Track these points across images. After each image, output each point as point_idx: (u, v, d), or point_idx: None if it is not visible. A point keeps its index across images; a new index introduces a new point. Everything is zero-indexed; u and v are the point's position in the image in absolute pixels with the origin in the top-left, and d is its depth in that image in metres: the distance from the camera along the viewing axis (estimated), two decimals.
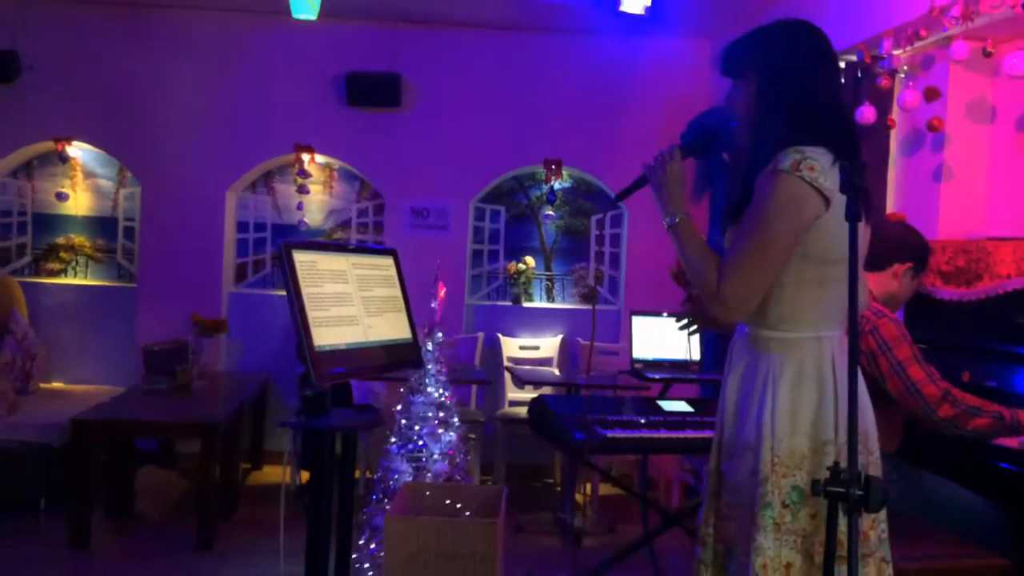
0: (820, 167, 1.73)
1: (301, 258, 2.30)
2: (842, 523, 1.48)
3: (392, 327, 2.62)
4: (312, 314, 2.27)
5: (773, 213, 1.74)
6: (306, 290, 2.28)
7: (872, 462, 1.81)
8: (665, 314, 4.40)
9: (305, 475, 5.18)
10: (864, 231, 1.87)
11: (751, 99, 1.89)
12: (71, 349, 5.81)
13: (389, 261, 2.73)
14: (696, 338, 4.44)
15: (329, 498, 2.49)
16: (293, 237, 5.94)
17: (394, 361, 2.63)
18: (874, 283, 3.06)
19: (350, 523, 2.67)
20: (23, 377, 5.21)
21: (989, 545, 2.68)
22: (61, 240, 5.89)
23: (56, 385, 5.68)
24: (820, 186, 1.72)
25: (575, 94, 5.82)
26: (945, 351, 3.51)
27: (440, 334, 3.31)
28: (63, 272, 5.91)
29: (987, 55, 3.28)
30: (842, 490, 1.37)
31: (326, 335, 2.30)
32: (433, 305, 3.29)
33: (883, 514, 1.84)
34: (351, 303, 2.45)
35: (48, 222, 5.89)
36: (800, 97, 1.83)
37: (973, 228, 3.85)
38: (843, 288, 1.56)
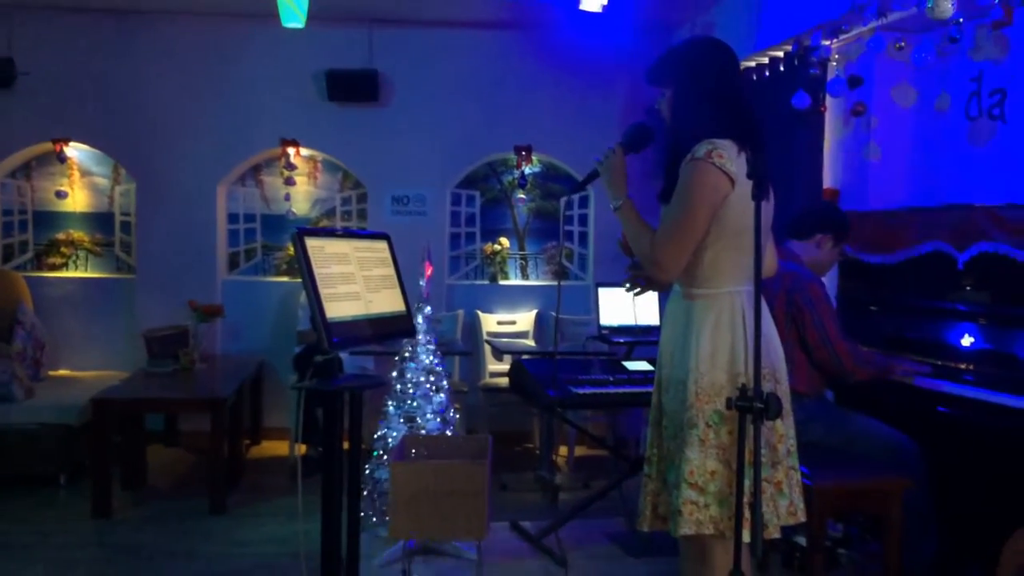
0: (728, 155, 2.18)
1: (312, 243, 2.70)
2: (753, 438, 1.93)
3: (389, 301, 3.02)
4: (323, 291, 2.67)
5: (692, 193, 2.19)
6: (317, 270, 2.68)
7: (781, 391, 2.27)
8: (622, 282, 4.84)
9: (302, 448, 5.55)
10: (767, 207, 2.32)
11: (671, 104, 2.34)
12: (75, 338, 6.10)
13: (384, 245, 3.13)
14: (655, 303, 4.88)
15: (340, 452, 2.88)
16: (281, 226, 6.30)
17: (391, 331, 3.03)
18: (802, 251, 3.55)
19: (359, 473, 3.07)
20: (34, 365, 5.54)
21: (903, 472, 3.15)
22: (61, 236, 6.19)
23: (63, 372, 5.98)
24: (727, 170, 2.17)
25: (542, 85, 6.13)
26: (873, 307, 4.00)
27: (429, 308, 3.72)
28: (64, 266, 6.22)
29: (899, 48, 3.72)
30: (748, 404, 1.82)
31: (335, 308, 2.70)
32: (421, 283, 3.69)
33: (791, 431, 2.31)
34: (354, 281, 2.85)
35: (48, 219, 6.19)
36: (709, 100, 2.27)
37: (898, 199, 4.31)
38: (750, 253, 2.01)
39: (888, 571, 3.02)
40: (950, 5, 3.14)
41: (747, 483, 1.92)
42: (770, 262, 2.52)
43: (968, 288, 3.52)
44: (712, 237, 2.22)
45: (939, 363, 3.48)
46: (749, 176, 2.00)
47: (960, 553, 3.37)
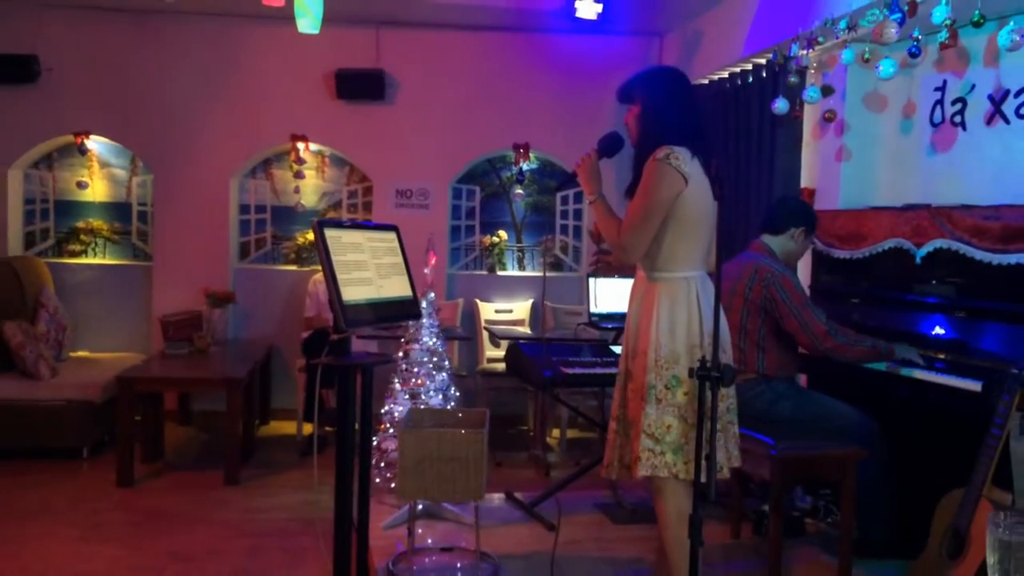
0: (683, 158, 2.63)
1: (330, 234, 3.01)
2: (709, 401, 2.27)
3: (398, 287, 3.34)
4: (340, 276, 2.99)
5: (652, 187, 2.64)
6: (335, 258, 3.00)
7: (725, 358, 2.68)
8: (615, 275, 5.17)
9: (308, 428, 5.87)
10: (714, 205, 2.71)
11: (639, 117, 2.81)
12: (94, 321, 6.42)
13: (392, 235, 3.44)
14: None
15: (353, 424, 3.18)
16: (290, 217, 6.62)
17: (400, 313, 3.36)
18: (775, 244, 3.87)
19: (370, 442, 3.39)
20: (56, 346, 5.86)
21: (860, 445, 3.48)
22: (81, 224, 6.51)
23: (83, 353, 6.30)
24: (682, 170, 2.62)
25: (540, 85, 6.45)
26: (842, 298, 4.32)
27: (432, 294, 4.05)
28: (83, 253, 6.53)
29: (865, 60, 4.03)
30: (706, 373, 2.15)
31: (351, 292, 3.02)
32: (426, 271, 4.01)
33: (732, 392, 2.78)
34: (367, 268, 3.17)
35: (69, 208, 6.50)
36: (668, 115, 2.74)
37: (869, 199, 4.62)
38: (700, 242, 2.55)
39: (844, 533, 3.36)
40: (893, 32, 3.47)
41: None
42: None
43: (926, 281, 3.85)
44: (669, 228, 2.67)
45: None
46: (712, 180, 2.36)
47: (915, 526, 3.69)
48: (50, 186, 6.48)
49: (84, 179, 6.46)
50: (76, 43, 6.19)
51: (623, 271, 2.95)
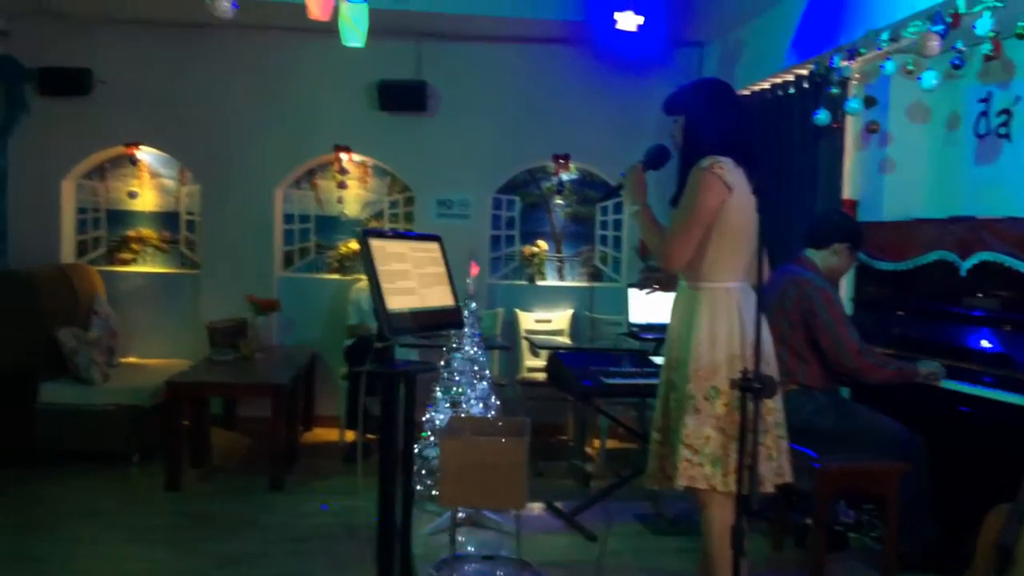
0: (726, 167, 2.64)
1: (375, 244, 3.06)
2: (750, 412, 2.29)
3: (440, 296, 3.38)
4: (385, 285, 3.05)
5: (696, 196, 2.66)
6: (380, 268, 3.05)
7: (770, 370, 2.68)
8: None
9: (350, 435, 5.95)
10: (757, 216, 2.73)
11: (685, 128, 2.83)
12: (143, 328, 6.55)
13: (436, 245, 3.49)
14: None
15: (397, 429, 3.23)
16: (333, 227, 6.72)
17: (442, 322, 3.40)
18: (819, 259, 3.87)
19: (412, 449, 3.43)
20: (108, 352, 6.00)
21: (904, 459, 3.46)
22: (131, 233, 6.65)
23: (132, 359, 6.43)
24: (726, 180, 2.63)
25: (580, 97, 6.46)
26: (885, 310, 4.30)
27: (474, 304, 4.10)
28: (133, 261, 6.67)
29: (908, 72, 4.02)
30: (748, 384, 2.17)
31: (395, 301, 3.06)
32: (468, 281, 4.07)
33: (779, 405, 2.75)
34: (411, 278, 3.22)
35: (120, 217, 6.65)
36: (713, 126, 2.75)
37: (912, 211, 4.59)
38: (744, 253, 2.52)
39: (887, 547, 3.34)
40: (936, 45, 3.45)
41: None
42: (764, 271, 2.91)
43: (970, 293, 3.81)
44: (713, 238, 2.67)
45: (946, 363, 3.76)
46: (755, 191, 2.38)
47: (961, 541, 3.66)
48: (102, 196, 6.65)
49: (135, 189, 6.62)
50: (128, 57, 6.35)
51: (671, 287, 2.94)
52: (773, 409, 2.72)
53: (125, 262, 6.68)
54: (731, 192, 2.64)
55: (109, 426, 5.34)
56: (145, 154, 6.58)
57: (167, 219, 6.71)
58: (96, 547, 4.06)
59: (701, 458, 2.64)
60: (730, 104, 2.86)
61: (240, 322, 6.13)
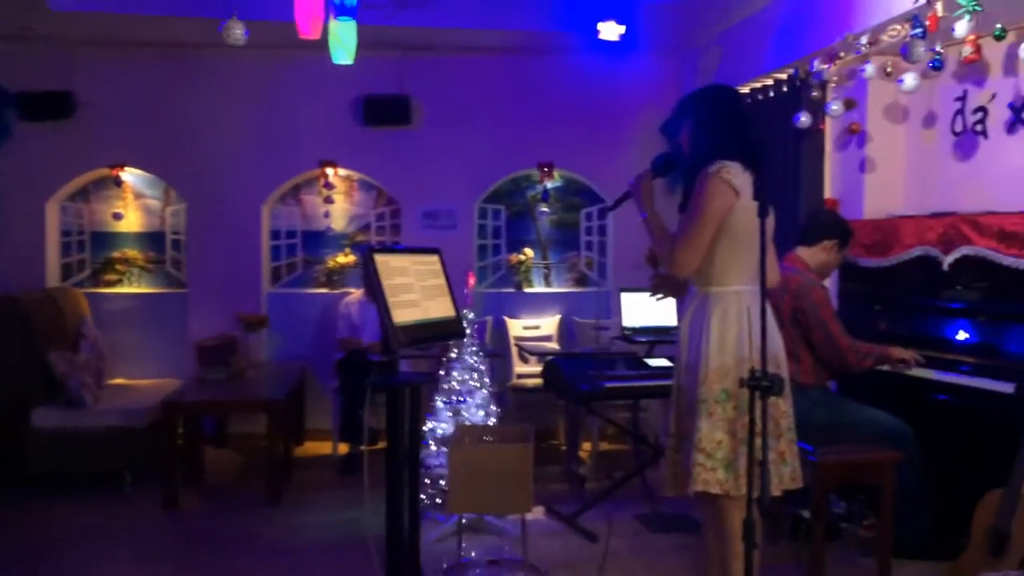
0: (734, 172, 2.67)
1: (379, 259, 3.12)
2: (759, 410, 2.35)
3: (442, 308, 3.44)
4: (390, 299, 3.09)
5: (704, 200, 2.68)
6: (385, 282, 3.11)
7: (782, 374, 2.71)
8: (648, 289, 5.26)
9: (343, 447, 5.97)
10: (769, 222, 2.77)
11: (690, 135, 2.86)
12: (130, 349, 6.50)
13: (436, 258, 3.55)
14: (673, 306, 5.30)
15: (403, 440, 3.26)
16: (320, 241, 6.75)
17: (444, 332, 3.46)
18: (808, 255, 3.97)
19: (418, 458, 3.46)
20: (97, 374, 5.97)
21: (896, 450, 3.56)
22: (116, 254, 6.63)
23: (119, 381, 6.40)
24: (733, 184, 2.66)
25: (563, 106, 6.54)
26: (868, 305, 4.41)
27: (472, 314, 4.15)
28: (119, 282, 6.65)
29: (887, 74, 4.13)
30: (756, 383, 2.24)
31: (400, 314, 3.11)
32: (465, 292, 4.12)
33: (791, 410, 2.77)
34: (414, 291, 3.27)
35: (104, 239, 6.62)
36: (719, 131, 2.78)
37: (892, 208, 4.72)
38: (752, 256, 2.48)
39: (883, 536, 3.43)
40: (923, 51, 3.56)
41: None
42: (772, 272, 2.96)
43: (952, 287, 3.93)
44: (721, 242, 2.70)
45: (929, 354, 3.89)
46: (755, 196, 2.44)
47: (949, 528, 3.76)
48: (86, 218, 6.62)
49: (119, 210, 6.59)
50: (109, 78, 6.34)
51: (684, 291, 2.95)
52: (785, 413, 2.75)
53: (110, 283, 6.65)
54: (739, 196, 2.66)
55: (102, 448, 5.30)
56: (129, 175, 6.57)
57: (152, 239, 6.69)
58: (100, 569, 4.05)
59: (714, 462, 2.65)
60: (736, 109, 2.88)
61: (230, 339, 6.14)
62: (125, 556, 4.21)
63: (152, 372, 6.52)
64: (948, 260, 3.84)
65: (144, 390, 5.98)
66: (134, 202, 6.65)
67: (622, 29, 5.24)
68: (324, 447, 6.29)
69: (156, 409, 5.21)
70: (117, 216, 6.60)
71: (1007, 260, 3.53)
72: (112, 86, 6.34)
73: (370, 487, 3.39)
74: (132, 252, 6.67)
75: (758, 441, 2.29)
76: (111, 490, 5.27)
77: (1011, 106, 4.02)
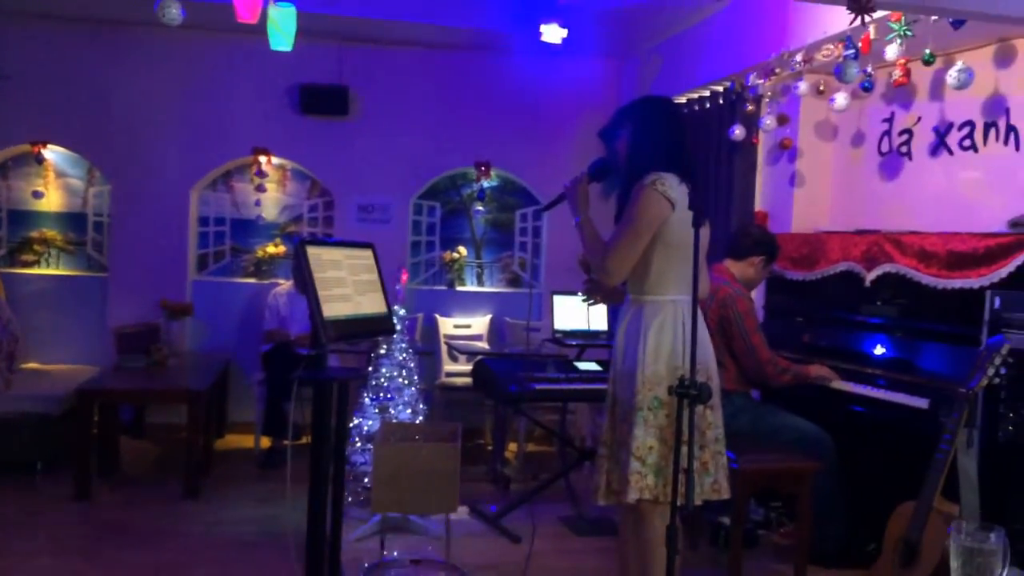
0: (669, 184, 2.69)
1: (312, 251, 3.06)
2: (687, 418, 2.38)
3: (373, 303, 3.40)
4: (321, 293, 3.05)
5: (638, 212, 2.69)
6: (316, 275, 3.05)
7: (712, 385, 2.75)
8: (578, 293, 5.30)
9: (265, 441, 5.86)
10: (704, 233, 2.81)
11: (628, 144, 2.87)
12: (45, 333, 6.28)
13: (369, 253, 3.49)
14: (604, 310, 5.36)
15: (328, 438, 3.21)
16: (249, 230, 6.62)
17: (375, 328, 3.42)
18: (736, 269, 4.05)
19: (343, 455, 3.43)
20: (8, 358, 5.75)
21: (817, 459, 3.66)
22: (35, 234, 6.39)
23: (33, 365, 6.17)
24: (668, 196, 2.68)
25: (502, 105, 6.56)
26: (794, 318, 4.51)
27: (403, 311, 4.12)
28: (36, 263, 6.42)
29: (820, 92, 4.24)
30: (684, 391, 2.27)
31: (331, 308, 3.07)
32: (398, 288, 4.09)
33: (719, 421, 2.80)
34: (346, 285, 3.23)
35: (22, 218, 6.38)
36: (656, 142, 2.80)
37: (819, 223, 4.85)
38: (687, 267, 2.47)
39: (801, 543, 3.51)
40: (855, 72, 3.67)
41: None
42: (704, 283, 3.00)
43: (873, 302, 4.05)
44: (657, 252, 2.72)
45: (849, 367, 4.00)
46: (690, 206, 2.47)
47: (865, 535, 3.89)
48: (3, 195, 6.36)
49: (39, 188, 6.36)
50: (34, 52, 6.11)
51: (614, 298, 2.97)
52: (712, 424, 2.78)
53: (27, 264, 6.42)
54: (674, 208, 2.69)
55: (12, 435, 5.12)
56: (52, 152, 6.35)
57: (74, 220, 6.48)
58: (5, 561, 3.89)
59: (646, 468, 2.67)
60: (676, 121, 2.89)
61: (151, 327, 5.98)
62: (33, 548, 4.05)
63: (68, 358, 6.31)
64: (870, 276, 3.96)
65: (59, 376, 5.79)
66: (55, 181, 6.42)
67: (564, 32, 5.26)
68: (247, 440, 6.16)
69: (71, 396, 5.03)
70: (37, 195, 6.36)
71: (926, 279, 3.65)
72: (37, 60, 6.12)
73: (292, 483, 3.33)
74: (51, 232, 6.44)
75: (684, 449, 2.31)
76: (21, 479, 5.09)
77: (935, 130, 4.16)
